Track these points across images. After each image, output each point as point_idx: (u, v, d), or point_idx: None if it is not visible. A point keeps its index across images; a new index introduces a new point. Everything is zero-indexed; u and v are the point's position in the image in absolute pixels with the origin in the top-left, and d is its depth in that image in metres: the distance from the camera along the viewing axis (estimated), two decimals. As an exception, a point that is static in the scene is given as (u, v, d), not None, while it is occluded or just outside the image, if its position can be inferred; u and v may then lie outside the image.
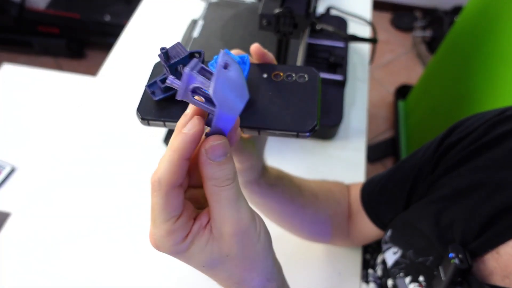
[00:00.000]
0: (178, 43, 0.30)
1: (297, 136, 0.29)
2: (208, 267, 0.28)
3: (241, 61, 0.31)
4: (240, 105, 0.24)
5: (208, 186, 0.25)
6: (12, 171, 0.85)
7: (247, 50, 0.36)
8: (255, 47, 0.34)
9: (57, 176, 0.70)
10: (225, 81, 0.22)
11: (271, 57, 0.35)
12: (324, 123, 0.73)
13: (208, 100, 0.25)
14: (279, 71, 0.32)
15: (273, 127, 0.29)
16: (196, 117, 0.25)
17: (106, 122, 0.78)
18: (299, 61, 0.69)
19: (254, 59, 0.35)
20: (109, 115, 0.79)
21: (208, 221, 0.27)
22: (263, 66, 0.33)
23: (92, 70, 1.44)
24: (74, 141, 0.75)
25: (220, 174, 0.25)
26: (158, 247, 0.27)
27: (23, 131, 0.94)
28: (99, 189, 0.69)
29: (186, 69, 0.23)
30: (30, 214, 0.65)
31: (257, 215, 0.29)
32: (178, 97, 0.24)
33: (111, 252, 0.62)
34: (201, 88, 0.24)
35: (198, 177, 0.29)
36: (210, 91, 0.22)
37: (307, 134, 0.28)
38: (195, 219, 0.27)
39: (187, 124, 0.25)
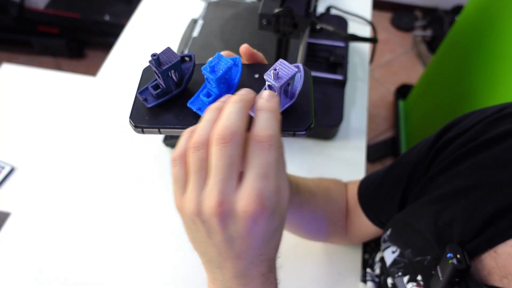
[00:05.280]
0: (168, 47, 0.30)
1: (294, 135, 0.29)
2: (273, 232, 0.28)
3: (234, 63, 0.31)
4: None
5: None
6: (11, 171, 0.85)
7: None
8: (244, 47, 0.34)
9: (57, 176, 0.70)
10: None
11: (261, 56, 0.34)
12: (324, 123, 0.72)
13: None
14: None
15: None
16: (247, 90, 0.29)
17: (106, 122, 0.78)
18: (299, 61, 0.69)
19: (244, 60, 0.35)
20: (109, 115, 0.79)
21: None
22: (254, 66, 0.33)
23: (92, 70, 1.43)
24: (74, 141, 0.75)
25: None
26: (264, 205, 0.25)
27: (23, 131, 0.94)
28: (99, 189, 0.68)
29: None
30: (30, 214, 0.65)
31: None
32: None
33: (111, 252, 0.62)
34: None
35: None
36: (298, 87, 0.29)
37: (303, 133, 0.28)
38: None
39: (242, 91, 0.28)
